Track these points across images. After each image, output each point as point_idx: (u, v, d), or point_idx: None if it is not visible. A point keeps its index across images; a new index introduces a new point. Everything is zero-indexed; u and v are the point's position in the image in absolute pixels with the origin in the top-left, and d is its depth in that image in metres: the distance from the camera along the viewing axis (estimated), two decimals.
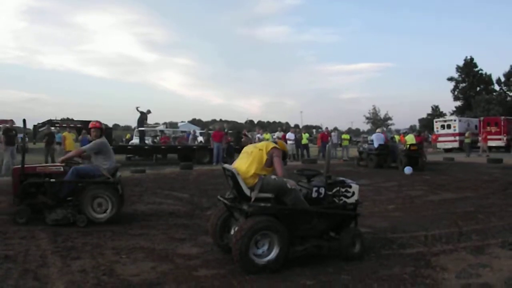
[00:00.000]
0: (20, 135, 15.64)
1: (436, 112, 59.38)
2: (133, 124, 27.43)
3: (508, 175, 14.15)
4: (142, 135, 21.98)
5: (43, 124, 18.73)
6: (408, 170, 15.46)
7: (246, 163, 4.80)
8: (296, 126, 49.55)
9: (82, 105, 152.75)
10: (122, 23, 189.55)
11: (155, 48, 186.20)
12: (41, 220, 6.59)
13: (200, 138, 27.46)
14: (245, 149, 5.12)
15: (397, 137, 25.60)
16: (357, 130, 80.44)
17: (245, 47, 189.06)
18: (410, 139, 18.55)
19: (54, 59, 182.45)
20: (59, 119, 20.18)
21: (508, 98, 53.63)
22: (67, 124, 19.12)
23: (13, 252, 5.11)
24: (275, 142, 5.20)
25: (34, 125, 19.31)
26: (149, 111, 21.06)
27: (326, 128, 26.60)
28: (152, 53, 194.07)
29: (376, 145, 18.20)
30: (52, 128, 19.11)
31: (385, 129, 27.44)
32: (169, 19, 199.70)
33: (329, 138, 23.68)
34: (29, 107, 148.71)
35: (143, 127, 21.57)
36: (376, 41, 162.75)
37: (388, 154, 18.02)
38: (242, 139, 20.95)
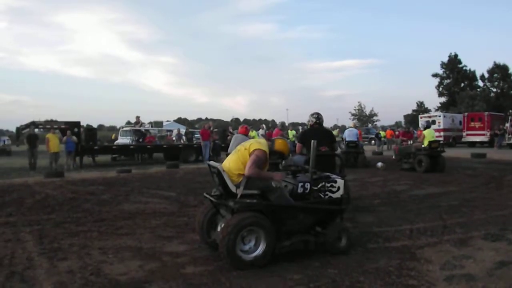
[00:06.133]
0: (3, 138, 15.45)
1: (421, 108, 60.21)
2: (118, 124, 28.83)
3: (491, 169, 14.35)
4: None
5: (26, 126, 18.43)
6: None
7: (232, 161, 4.82)
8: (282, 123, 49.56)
9: (66, 106, 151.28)
10: (104, 22, 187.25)
11: (139, 46, 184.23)
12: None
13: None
14: (238, 146, 5.10)
15: (382, 133, 25.75)
16: (343, 126, 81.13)
17: (230, 45, 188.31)
18: (431, 134, 14.47)
19: (36, 60, 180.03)
20: (43, 120, 19.80)
21: (492, 94, 54.37)
22: (50, 125, 18.75)
23: None
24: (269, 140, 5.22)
25: (17, 127, 19.04)
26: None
27: None
28: (136, 51, 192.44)
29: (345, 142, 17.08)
30: (36, 129, 18.83)
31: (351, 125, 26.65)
32: (152, 17, 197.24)
33: None
34: (11, 109, 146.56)
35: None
36: (362, 37, 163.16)
37: (357, 152, 16.84)
38: (228, 137, 20.91)
